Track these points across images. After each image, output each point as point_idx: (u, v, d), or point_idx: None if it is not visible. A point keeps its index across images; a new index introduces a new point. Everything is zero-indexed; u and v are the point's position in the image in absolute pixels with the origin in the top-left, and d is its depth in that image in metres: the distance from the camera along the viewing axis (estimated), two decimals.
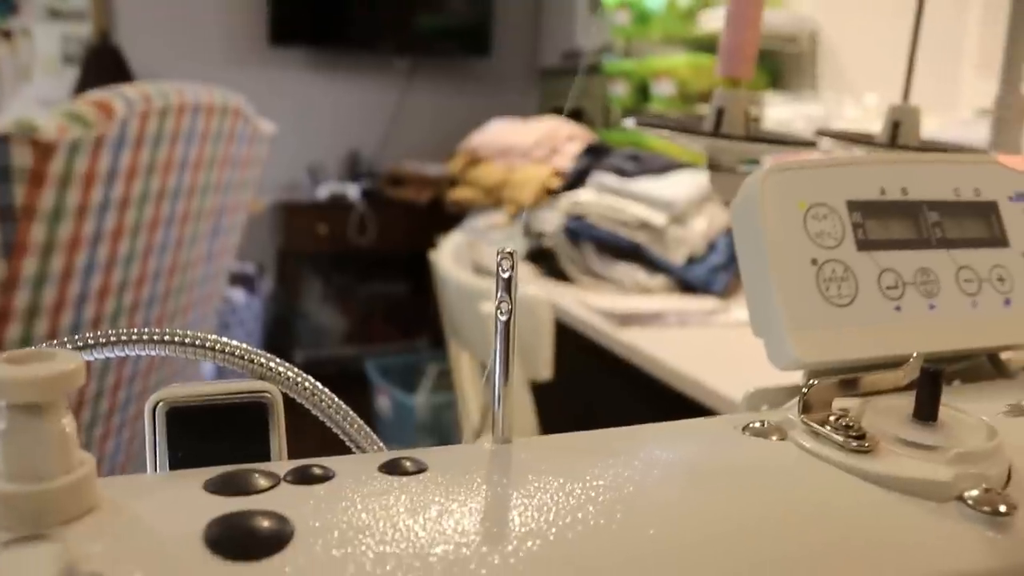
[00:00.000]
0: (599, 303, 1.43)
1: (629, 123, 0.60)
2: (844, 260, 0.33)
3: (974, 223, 0.37)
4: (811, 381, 0.27)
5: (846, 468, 0.24)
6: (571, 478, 0.23)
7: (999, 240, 0.37)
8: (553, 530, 0.21)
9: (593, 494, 0.22)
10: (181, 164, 1.30)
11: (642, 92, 2.33)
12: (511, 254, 0.23)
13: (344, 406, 0.28)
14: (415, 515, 0.21)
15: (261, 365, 0.27)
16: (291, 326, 3.27)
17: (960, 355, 0.36)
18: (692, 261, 1.56)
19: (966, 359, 0.37)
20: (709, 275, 1.53)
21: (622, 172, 1.71)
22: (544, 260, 1.69)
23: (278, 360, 0.27)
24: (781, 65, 2.09)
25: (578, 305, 1.43)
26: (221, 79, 1.47)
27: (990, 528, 0.23)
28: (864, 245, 0.34)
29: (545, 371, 1.08)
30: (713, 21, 2.09)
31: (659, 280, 1.55)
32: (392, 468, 0.23)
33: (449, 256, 1.34)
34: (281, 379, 0.27)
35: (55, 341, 0.24)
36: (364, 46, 3.38)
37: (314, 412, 0.28)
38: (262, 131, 1.56)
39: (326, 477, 0.23)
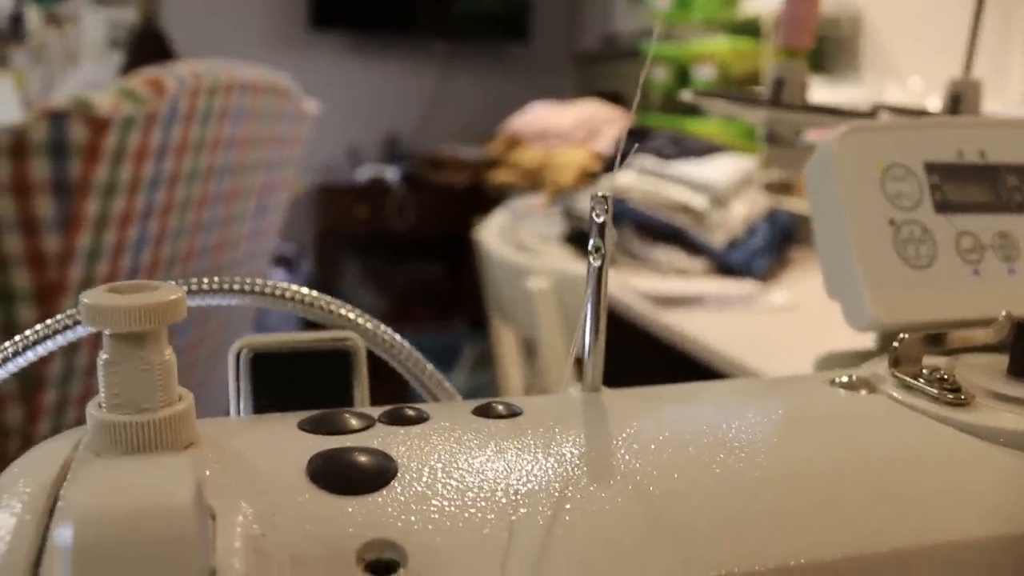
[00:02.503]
0: (639, 285, 1.43)
1: (687, 95, 0.60)
2: (922, 222, 0.33)
3: None
4: (901, 335, 0.27)
5: (941, 419, 0.24)
6: (668, 423, 0.23)
7: None
8: (656, 470, 0.21)
9: (692, 437, 0.22)
10: (229, 141, 1.31)
11: (682, 76, 2.31)
12: (605, 198, 0.23)
13: (422, 358, 0.28)
14: (520, 454, 0.21)
15: (341, 315, 0.27)
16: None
17: None
18: (733, 245, 1.55)
19: None
20: (750, 259, 1.52)
21: (663, 155, 1.70)
22: (584, 242, 1.69)
23: (358, 311, 0.27)
24: (823, 49, 2.06)
25: (618, 286, 1.43)
26: (262, 62, 1.48)
27: None
28: (942, 207, 0.33)
29: None
30: (755, 5, 2.07)
31: (699, 263, 1.54)
32: (486, 411, 0.23)
33: (494, 234, 1.34)
34: (360, 329, 0.27)
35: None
36: (403, 30, 3.39)
37: (392, 364, 0.28)
38: (306, 111, 1.57)
39: (420, 419, 0.23)
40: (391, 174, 3.25)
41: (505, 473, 0.21)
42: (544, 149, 2.11)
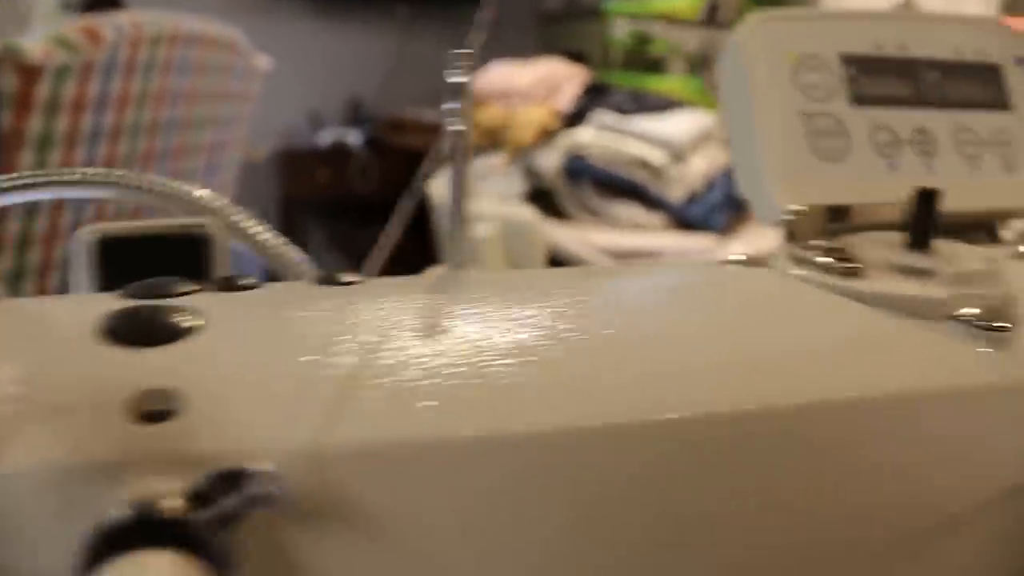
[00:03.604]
0: (598, 240, 1.42)
1: (620, 27, 0.58)
2: (836, 114, 0.31)
3: (976, 85, 0.35)
4: (795, 207, 0.25)
5: (833, 289, 0.23)
6: (534, 296, 0.21)
7: (1003, 104, 0.35)
8: (503, 338, 0.19)
9: (558, 309, 0.21)
10: (174, 95, 1.27)
11: (643, 35, 2.28)
12: (467, 54, 0.22)
13: (286, 243, 0.26)
14: (341, 315, 0.19)
15: (195, 199, 0.25)
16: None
17: (957, 220, 0.34)
18: (691, 200, 1.53)
19: (963, 233, 0.36)
20: (708, 213, 1.51)
21: (622, 111, 1.69)
22: (544, 200, 1.67)
23: (218, 196, 0.25)
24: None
25: (576, 242, 1.41)
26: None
27: (987, 344, 0.21)
28: (858, 100, 0.32)
29: None
30: None
31: (657, 218, 1.53)
32: (328, 280, 0.22)
33: (443, 186, 1.32)
34: (215, 212, 0.25)
35: None
36: None
37: (254, 249, 0.27)
38: (256, 66, 1.53)
39: (253, 287, 0.21)
40: (353, 138, 3.21)
41: (323, 335, 0.19)
42: (505, 108, 2.08)
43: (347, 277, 0.22)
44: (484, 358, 0.18)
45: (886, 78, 0.33)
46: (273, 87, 1.61)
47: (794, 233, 0.25)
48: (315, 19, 3.35)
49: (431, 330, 0.19)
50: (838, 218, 0.26)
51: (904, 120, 0.32)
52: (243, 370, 0.17)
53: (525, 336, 0.19)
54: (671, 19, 2.09)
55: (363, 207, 3.44)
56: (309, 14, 3.33)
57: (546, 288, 0.21)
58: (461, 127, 0.22)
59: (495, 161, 2.01)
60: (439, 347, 0.18)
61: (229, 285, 0.21)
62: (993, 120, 0.34)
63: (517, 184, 1.81)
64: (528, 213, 1.31)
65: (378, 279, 0.22)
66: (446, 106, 0.22)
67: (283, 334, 0.19)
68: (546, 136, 1.90)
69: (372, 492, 0.16)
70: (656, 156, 1.55)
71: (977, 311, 0.21)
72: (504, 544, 0.17)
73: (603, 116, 1.68)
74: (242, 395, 0.17)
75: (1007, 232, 0.38)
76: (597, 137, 1.63)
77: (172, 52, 1.21)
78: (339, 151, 3.17)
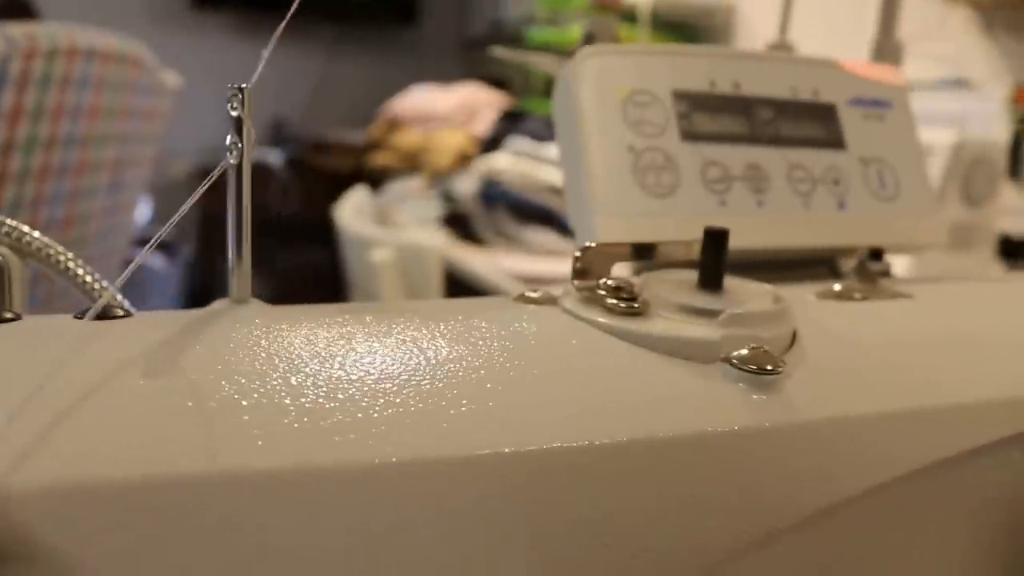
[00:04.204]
0: (507, 264, 1.42)
1: (497, 51, 0.58)
2: (665, 150, 0.31)
3: (810, 124, 0.35)
4: (587, 243, 0.25)
5: (610, 330, 0.23)
6: (290, 334, 0.21)
7: (836, 142, 0.35)
8: (239, 370, 0.18)
9: (311, 342, 0.20)
10: (74, 111, 1.24)
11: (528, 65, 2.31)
12: (241, 89, 0.21)
13: (88, 270, 0.25)
14: (80, 348, 0.19)
15: None
16: (213, 292, 3.20)
17: (792, 256, 0.35)
18: None
19: (803, 267, 0.36)
20: None
21: (537, 137, 1.70)
22: (459, 224, 1.67)
23: (15, 223, 0.24)
24: (696, 39, 2.08)
25: (488, 266, 1.42)
26: (142, 42, 1.40)
27: (754, 388, 0.21)
28: (689, 136, 0.32)
29: None
30: None
31: (570, 244, 1.54)
32: (104, 315, 0.21)
33: (349, 211, 1.31)
34: (14, 242, 0.24)
35: None
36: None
37: (52, 274, 0.25)
38: (165, 84, 1.50)
39: (14, 320, 0.20)
40: (274, 158, 3.18)
41: (46, 371, 0.18)
42: (424, 132, 2.08)
43: (117, 311, 0.21)
44: (216, 399, 0.17)
45: (719, 115, 0.33)
46: (194, 105, 1.58)
47: (586, 270, 0.25)
48: (237, 37, 3.31)
49: (156, 369, 0.18)
50: (644, 255, 0.26)
51: (736, 156, 0.33)
52: None
53: (255, 382, 0.18)
54: (558, 51, 2.13)
55: (284, 227, 3.40)
56: (232, 32, 3.30)
57: (315, 325, 0.21)
58: (238, 161, 0.22)
59: (413, 185, 2.00)
60: (157, 387, 0.18)
61: None
62: (826, 158, 0.35)
63: (435, 208, 1.81)
64: (426, 238, 1.31)
65: (149, 313, 0.22)
66: (229, 139, 0.21)
67: (4, 371, 0.18)
68: (464, 161, 1.91)
69: (63, 535, 0.15)
70: None
71: (743, 353, 0.21)
72: None
73: (518, 142, 1.69)
74: None
75: (848, 266, 0.39)
76: (512, 163, 1.64)
77: (71, 66, 1.18)
78: (259, 171, 3.14)
